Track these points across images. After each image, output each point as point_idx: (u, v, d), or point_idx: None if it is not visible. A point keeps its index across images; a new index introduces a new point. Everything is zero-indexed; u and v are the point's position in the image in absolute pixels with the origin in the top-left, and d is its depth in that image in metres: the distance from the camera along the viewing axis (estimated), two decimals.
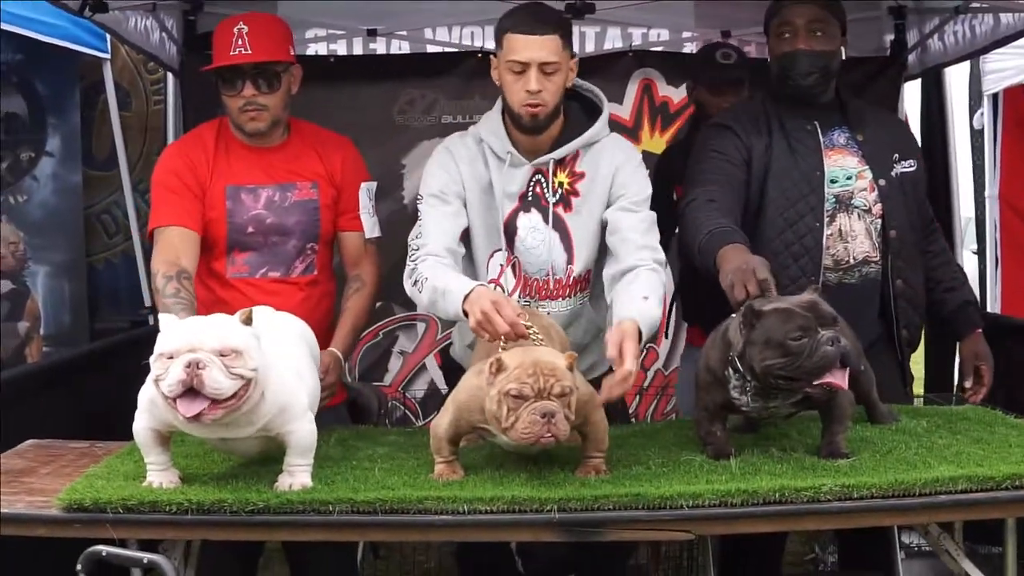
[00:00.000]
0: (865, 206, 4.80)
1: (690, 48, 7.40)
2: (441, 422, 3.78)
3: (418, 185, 4.60)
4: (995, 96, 8.55)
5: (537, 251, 4.47)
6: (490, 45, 6.98)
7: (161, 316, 3.56)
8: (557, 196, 4.44)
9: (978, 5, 6.02)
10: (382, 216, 5.05)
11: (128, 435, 3.66)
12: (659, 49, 7.36)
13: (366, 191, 4.92)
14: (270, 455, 3.75)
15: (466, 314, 3.97)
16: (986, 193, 8.72)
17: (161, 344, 3.41)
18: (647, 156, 6.82)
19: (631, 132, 7.16)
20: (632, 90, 7.22)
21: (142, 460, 3.66)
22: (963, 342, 5.02)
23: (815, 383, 3.70)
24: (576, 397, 3.59)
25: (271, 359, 3.54)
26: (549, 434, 3.50)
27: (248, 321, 3.49)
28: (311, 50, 7.11)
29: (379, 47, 7.30)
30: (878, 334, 4.87)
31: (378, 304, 5.09)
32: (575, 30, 4.96)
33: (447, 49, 7.28)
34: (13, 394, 4.89)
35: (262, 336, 3.53)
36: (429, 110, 7.12)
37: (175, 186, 4.72)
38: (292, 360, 3.77)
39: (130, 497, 3.46)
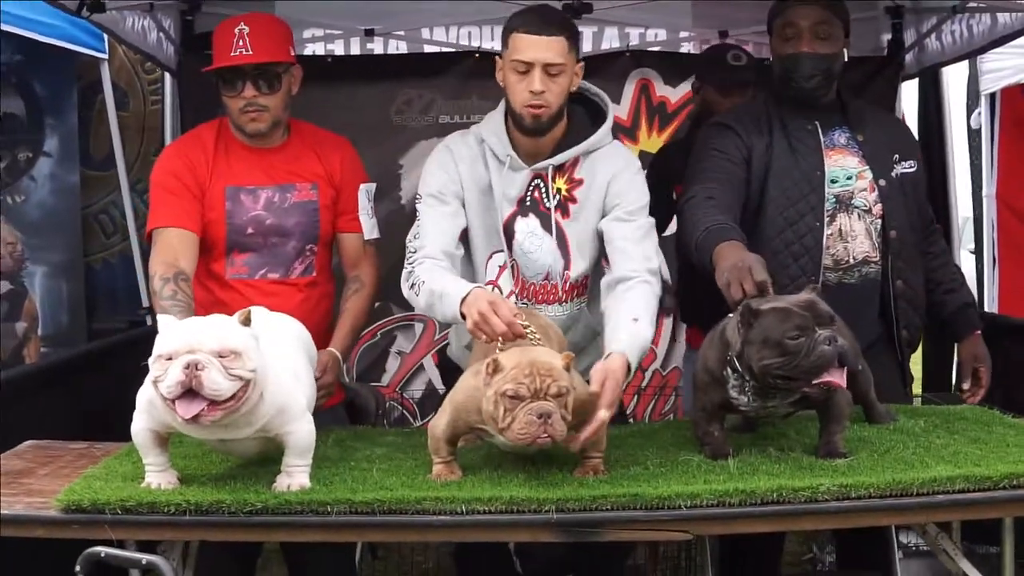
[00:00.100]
0: (865, 206, 4.80)
1: (687, 48, 7.41)
2: (439, 423, 3.78)
3: (416, 185, 4.60)
4: (992, 96, 8.55)
5: (534, 256, 4.46)
6: (488, 45, 7.02)
7: (159, 317, 3.57)
8: (555, 202, 4.43)
9: (975, 5, 6.03)
10: (380, 216, 5.05)
11: (126, 436, 3.66)
12: (656, 49, 7.38)
13: (365, 192, 4.92)
14: (268, 456, 3.75)
15: (463, 316, 3.97)
16: (983, 193, 8.73)
17: (160, 345, 3.41)
18: (644, 156, 6.86)
19: (629, 132, 7.17)
20: (630, 90, 7.23)
21: (140, 461, 3.66)
22: (962, 344, 5.01)
23: (813, 382, 3.70)
24: (573, 397, 3.59)
25: (269, 360, 3.54)
26: (545, 434, 3.50)
27: (247, 322, 3.49)
28: (308, 50, 7.12)
29: (376, 47, 7.31)
30: (878, 334, 4.87)
31: (376, 304, 5.09)
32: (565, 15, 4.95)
33: (445, 49, 7.29)
34: (11, 395, 4.89)
35: (261, 337, 3.53)
36: (426, 110, 7.13)
37: (174, 187, 4.71)
38: (289, 361, 3.77)
39: (128, 498, 3.46)
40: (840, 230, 4.77)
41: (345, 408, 5.03)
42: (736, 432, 4.21)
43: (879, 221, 4.81)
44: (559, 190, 4.43)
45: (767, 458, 3.85)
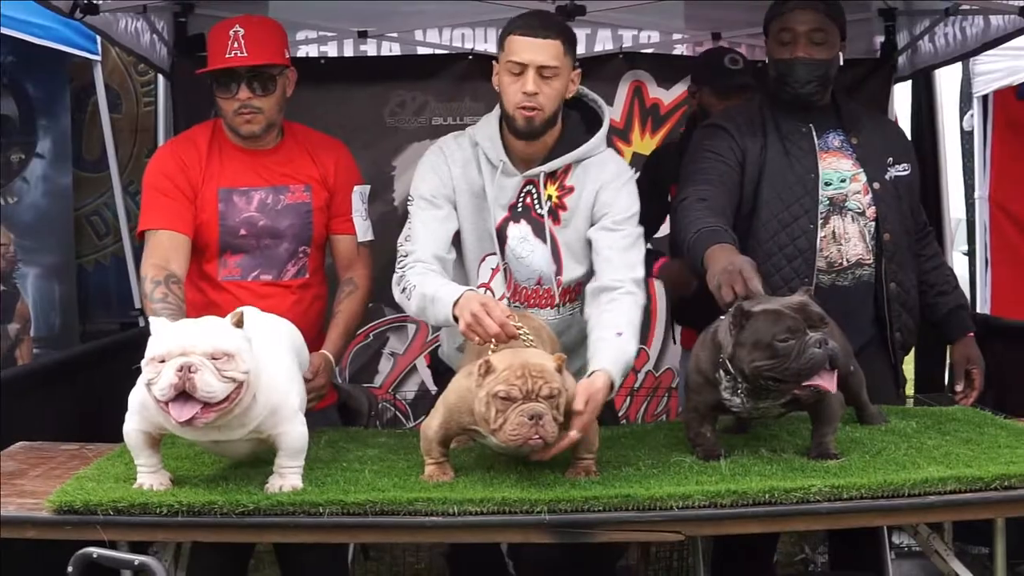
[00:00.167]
0: (859, 209, 4.80)
1: (681, 50, 7.41)
2: (431, 424, 3.79)
3: (409, 187, 4.59)
4: (985, 98, 8.57)
5: (526, 261, 4.46)
6: (481, 47, 7.02)
7: (151, 319, 3.56)
8: (546, 209, 4.43)
9: (968, 7, 6.04)
10: (373, 218, 5.04)
11: (119, 437, 3.66)
12: (650, 51, 7.36)
13: (359, 194, 4.91)
14: (260, 457, 3.76)
15: (456, 319, 3.97)
16: (976, 195, 8.73)
17: (152, 348, 3.41)
18: (637, 157, 6.88)
19: (622, 133, 7.18)
20: (623, 92, 7.23)
21: (132, 462, 3.66)
22: (954, 346, 5.03)
23: (802, 385, 3.71)
24: (565, 399, 3.60)
25: (262, 361, 3.54)
26: (537, 436, 3.51)
27: (240, 323, 3.49)
28: (302, 52, 7.11)
29: (370, 49, 7.29)
30: (871, 336, 4.88)
31: (369, 305, 5.08)
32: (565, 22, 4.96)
33: (438, 51, 7.28)
34: (4, 396, 4.88)
35: (253, 338, 3.53)
36: (419, 112, 7.12)
37: (166, 188, 4.71)
38: (282, 362, 3.77)
39: (121, 499, 3.46)
40: (834, 232, 4.78)
41: (338, 409, 5.03)
42: (728, 433, 4.22)
43: (873, 224, 4.82)
44: (550, 197, 4.43)
45: (759, 459, 3.86)
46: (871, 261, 4.82)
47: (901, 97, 7.44)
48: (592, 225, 4.40)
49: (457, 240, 4.46)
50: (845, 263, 4.79)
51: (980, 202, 8.65)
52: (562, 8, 5.89)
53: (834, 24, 4.82)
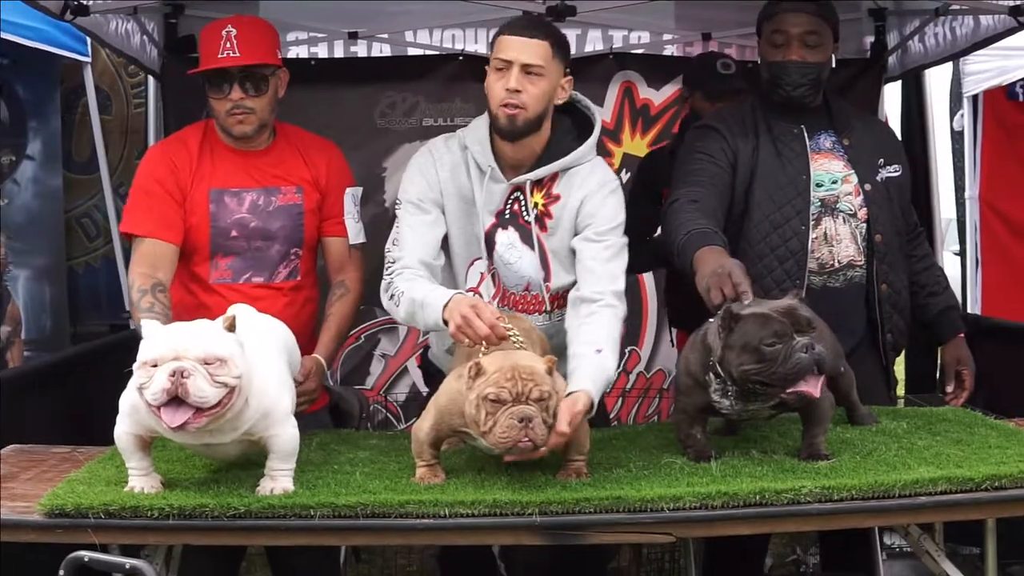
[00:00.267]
0: (850, 210, 4.81)
1: (671, 50, 7.42)
2: (422, 426, 3.79)
3: (399, 188, 4.59)
4: (975, 98, 8.58)
5: (514, 267, 4.44)
6: (471, 48, 7.03)
7: (143, 322, 3.56)
8: (533, 216, 4.42)
9: (958, 7, 6.05)
10: (364, 219, 5.04)
11: (110, 440, 3.66)
12: (640, 51, 7.36)
13: (351, 196, 4.91)
14: (251, 459, 3.76)
15: (445, 322, 3.97)
16: (966, 194, 8.76)
17: (145, 351, 3.41)
18: (628, 158, 6.88)
19: (612, 134, 7.18)
20: (613, 92, 7.23)
21: (123, 465, 3.65)
22: (945, 346, 5.02)
23: (788, 391, 3.71)
24: (555, 401, 3.60)
25: (254, 363, 3.54)
26: (526, 439, 3.51)
27: (232, 328, 3.49)
28: (292, 53, 7.11)
29: (360, 50, 7.29)
30: (862, 338, 4.88)
31: (360, 308, 5.08)
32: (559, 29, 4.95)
33: (428, 52, 7.28)
34: None
35: (245, 340, 3.53)
36: (410, 113, 7.12)
37: (155, 191, 4.71)
38: (274, 364, 3.76)
39: (112, 502, 3.46)
40: (825, 234, 4.78)
41: (329, 411, 5.03)
42: (719, 434, 4.22)
43: (864, 225, 4.82)
44: (536, 204, 4.41)
45: (750, 460, 3.86)
46: (862, 262, 4.83)
47: (891, 97, 7.46)
48: (576, 234, 4.39)
49: (445, 244, 4.45)
50: (837, 264, 4.79)
51: (970, 202, 8.68)
52: (552, 8, 5.89)
53: (827, 26, 4.82)
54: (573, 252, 4.38)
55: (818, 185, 4.79)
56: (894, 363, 5.03)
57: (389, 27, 7.17)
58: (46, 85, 8.48)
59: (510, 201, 4.42)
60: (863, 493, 3.54)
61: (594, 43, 7.35)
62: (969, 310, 8.13)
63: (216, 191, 4.74)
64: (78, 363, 6.04)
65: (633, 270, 6.09)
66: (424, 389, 5.23)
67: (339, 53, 7.28)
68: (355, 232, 4.91)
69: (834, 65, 4.93)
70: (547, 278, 4.44)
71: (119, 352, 5.27)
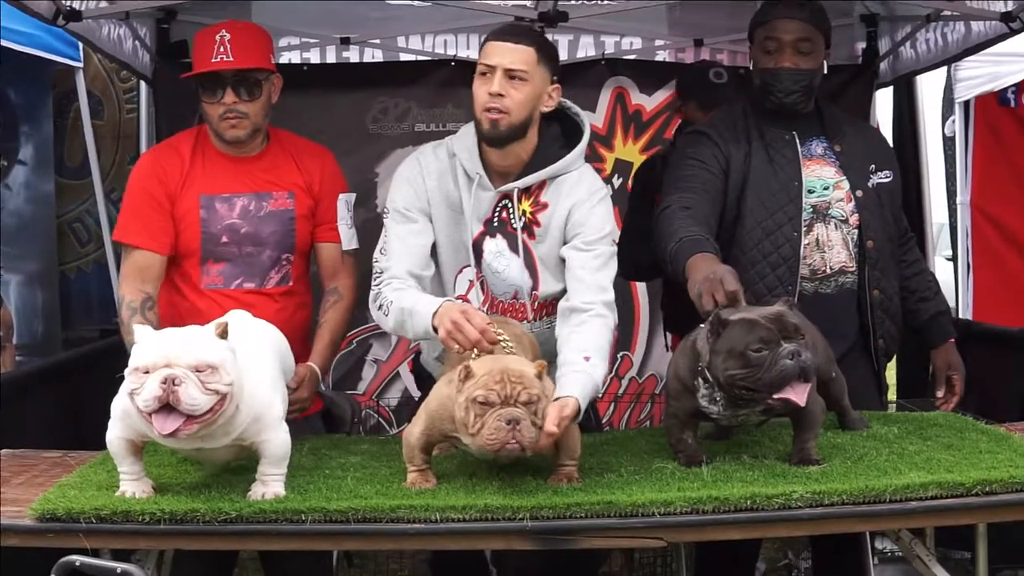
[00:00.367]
0: (842, 216, 4.81)
1: (663, 56, 7.42)
2: (413, 431, 3.79)
3: (388, 196, 4.58)
4: (967, 103, 8.60)
5: (503, 275, 4.43)
6: (463, 53, 7.04)
7: (136, 328, 3.55)
8: (521, 224, 4.42)
9: (949, 13, 6.06)
10: (356, 225, 5.03)
11: (101, 445, 3.66)
12: (632, 57, 7.37)
13: (344, 202, 4.91)
14: (243, 464, 3.76)
15: (435, 329, 3.97)
16: (958, 200, 8.78)
17: (136, 357, 3.41)
18: (620, 164, 6.88)
19: (604, 140, 7.18)
20: (605, 98, 7.23)
21: (115, 470, 3.65)
22: (936, 352, 5.02)
23: (773, 397, 3.71)
24: (544, 404, 3.60)
25: (246, 368, 3.54)
26: (514, 441, 3.51)
27: (224, 335, 3.49)
28: (284, 58, 7.10)
29: (352, 55, 7.29)
30: (854, 343, 4.88)
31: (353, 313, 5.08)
32: (547, 38, 4.95)
33: (420, 57, 7.28)
34: None
35: (237, 346, 3.53)
36: (402, 118, 7.12)
37: (146, 200, 4.73)
38: (266, 369, 3.76)
39: (103, 507, 3.46)
40: (817, 240, 4.79)
41: (321, 416, 5.02)
42: (710, 439, 4.23)
43: (856, 231, 4.82)
44: (524, 212, 4.41)
45: (741, 465, 3.86)
46: (854, 268, 4.83)
47: (883, 103, 7.47)
48: (565, 243, 4.38)
49: (433, 252, 4.44)
50: (828, 270, 4.80)
51: (962, 207, 8.70)
52: (544, 14, 5.89)
53: (819, 33, 4.82)
54: (562, 260, 4.37)
55: (810, 191, 4.80)
56: (886, 368, 5.03)
57: (381, 32, 7.17)
58: (38, 90, 8.49)
59: (498, 209, 4.41)
60: (854, 498, 3.55)
61: (586, 49, 7.36)
62: (961, 315, 8.15)
63: (207, 197, 4.73)
64: (70, 368, 6.05)
65: (639, 278, 6.10)
66: (416, 394, 5.22)
67: (331, 58, 7.27)
68: (348, 238, 4.90)
69: (826, 71, 4.94)
70: (535, 286, 4.43)
71: (111, 357, 5.26)
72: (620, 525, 3.49)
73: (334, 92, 7.03)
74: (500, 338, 3.87)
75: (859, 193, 4.83)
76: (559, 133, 4.48)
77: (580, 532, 3.50)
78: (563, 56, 7.12)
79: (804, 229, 4.76)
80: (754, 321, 3.70)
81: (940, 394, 4.95)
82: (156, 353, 3.39)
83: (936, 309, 5.05)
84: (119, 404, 3.53)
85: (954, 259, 9.16)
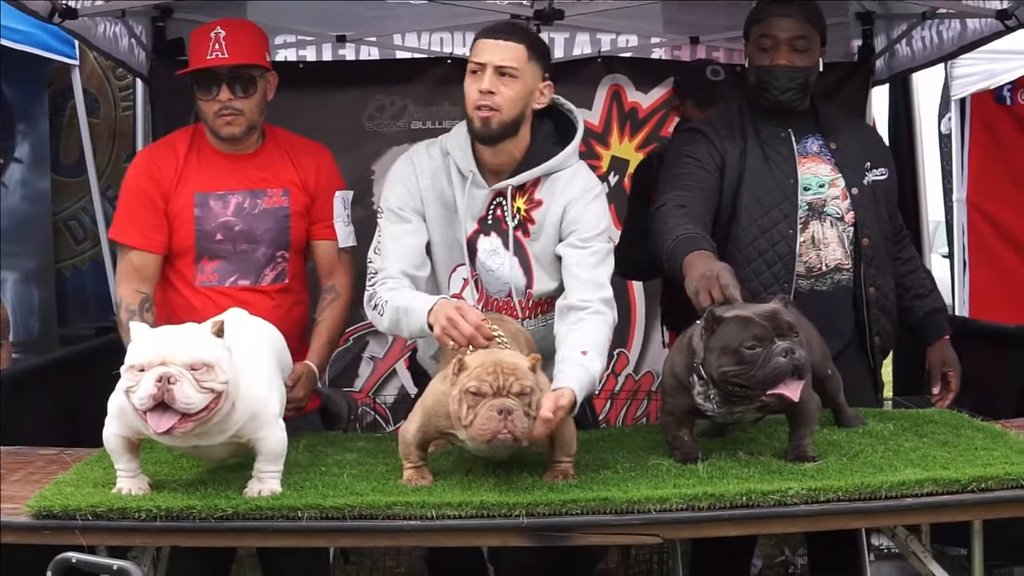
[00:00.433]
0: (838, 214, 4.81)
1: (659, 54, 7.43)
2: (409, 427, 3.79)
3: (381, 196, 4.58)
4: (963, 101, 8.61)
5: (496, 273, 4.42)
6: (459, 51, 7.05)
7: (132, 325, 3.56)
8: (515, 222, 4.41)
9: (945, 11, 6.06)
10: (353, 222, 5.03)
11: (98, 442, 3.66)
12: (628, 55, 7.37)
13: (341, 200, 4.90)
14: (240, 461, 3.76)
15: (431, 327, 3.97)
16: (954, 197, 8.79)
17: (132, 355, 3.42)
18: (616, 161, 6.88)
19: (600, 137, 7.19)
20: (601, 96, 7.23)
21: (111, 467, 3.66)
22: (931, 349, 5.03)
23: (767, 393, 3.72)
24: (537, 396, 3.60)
25: (242, 366, 3.54)
26: (506, 430, 3.51)
27: (220, 333, 3.49)
28: (280, 56, 7.10)
29: (348, 53, 7.29)
30: (850, 340, 4.89)
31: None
32: (544, 36, 4.95)
33: (416, 55, 7.28)
34: None
35: (233, 343, 3.53)
36: (398, 116, 7.12)
37: (140, 200, 4.74)
38: (263, 367, 3.77)
39: (99, 504, 3.46)
40: (813, 237, 4.79)
41: (319, 413, 5.03)
42: (706, 436, 4.23)
43: (851, 229, 4.83)
44: (518, 210, 4.41)
45: (736, 462, 3.87)
46: (850, 266, 4.83)
47: (879, 101, 7.47)
48: (561, 241, 4.37)
49: (427, 251, 4.44)
50: (824, 268, 4.80)
51: (958, 205, 8.71)
52: (540, 12, 5.89)
53: (815, 31, 4.82)
54: (557, 258, 4.37)
55: (805, 189, 4.80)
56: (881, 366, 5.04)
57: (377, 30, 7.17)
58: (34, 88, 8.48)
59: (492, 207, 4.41)
60: (849, 494, 3.55)
61: (582, 46, 7.36)
62: (957, 312, 8.15)
63: (201, 195, 4.73)
64: (66, 365, 6.05)
65: (639, 278, 6.10)
66: (413, 391, 5.22)
67: (327, 56, 7.28)
68: (345, 236, 4.90)
69: (821, 69, 4.94)
70: (530, 284, 4.43)
71: (107, 354, 5.27)
72: (616, 522, 3.49)
73: (330, 90, 7.03)
74: (495, 334, 3.87)
75: (855, 191, 4.83)
76: (552, 130, 4.48)
77: (576, 529, 3.50)
78: (559, 54, 7.16)
79: (800, 226, 4.77)
80: (748, 318, 3.71)
81: (935, 391, 4.95)
82: (151, 351, 3.40)
83: (931, 306, 5.05)
84: (116, 401, 3.53)
85: (950, 256, 9.17)
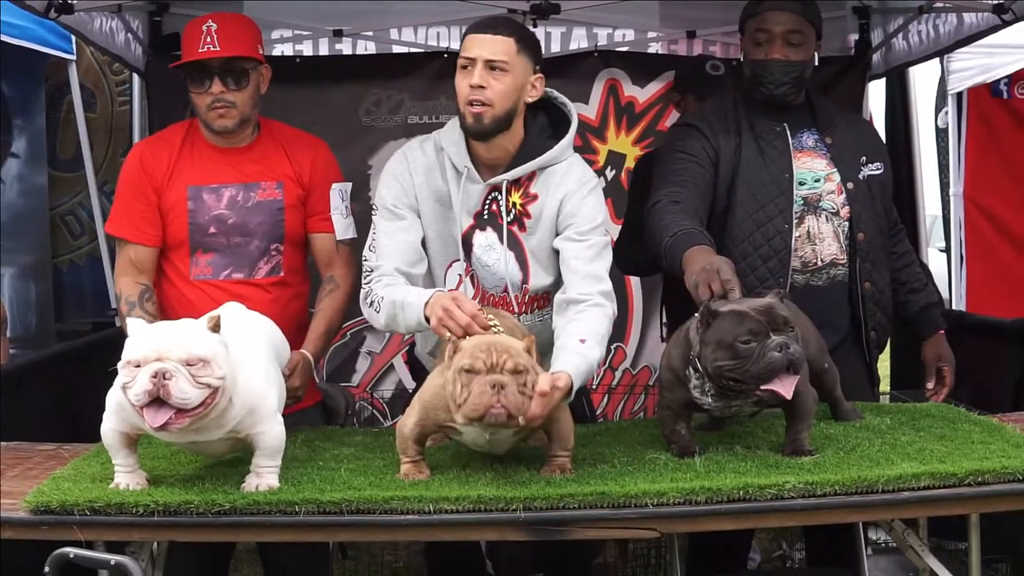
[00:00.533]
0: (833, 208, 4.81)
1: (655, 48, 7.43)
2: (407, 422, 3.79)
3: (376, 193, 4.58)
4: (960, 95, 8.60)
5: (492, 269, 4.42)
6: (456, 46, 6.98)
7: (129, 320, 3.57)
8: (511, 216, 4.40)
9: (941, 5, 6.06)
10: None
11: (95, 437, 3.67)
12: (624, 49, 7.37)
13: (338, 192, 4.88)
14: (237, 456, 3.76)
15: (427, 320, 3.97)
16: (951, 191, 8.78)
17: (129, 351, 3.42)
18: (613, 156, 6.88)
19: (597, 132, 7.19)
20: (598, 90, 7.23)
21: (109, 462, 3.66)
22: (926, 343, 5.03)
23: (761, 388, 3.72)
24: (532, 376, 3.59)
25: (240, 360, 3.54)
26: (499, 404, 3.50)
27: (216, 328, 3.49)
28: (277, 50, 7.10)
29: (345, 47, 7.29)
30: (846, 335, 4.89)
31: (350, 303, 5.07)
32: (540, 30, 4.95)
33: (413, 50, 7.28)
34: None
35: (230, 338, 3.53)
36: (395, 111, 7.12)
37: (135, 193, 4.75)
38: (260, 361, 3.77)
39: (97, 499, 3.46)
40: (808, 232, 4.79)
41: (320, 407, 5.03)
42: (703, 430, 4.23)
43: (847, 223, 4.82)
44: (514, 204, 4.40)
45: (734, 456, 3.87)
46: (845, 261, 4.83)
47: (876, 95, 7.48)
48: (558, 234, 4.37)
49: (423, 247, 4.44)
50: (819, 263, 4.80)
51: (955, 199, 8.70)
52: (536, 6, 5.89)
53: (810, 25, 4.82)
54: (554, 252, 4.37)
55: (801, 183, 4.80)
56: (878, 360, 5.04)
57: (374, 25, 7.17)
58: (31, 83, 8.47)
59: (488, 202, 4.40)
60: (846, 488, 3.55)
61: (579, 41, 7.37)
62: (954, 306, 8.15)
63: (194, 188, 4.73)
64: (64, 361, 6.05)
65: (639, 274, 6.10)
66: (410, 386, 5.23)
67: (324, 51, 7.28)
68: (343, 227, 4.88)
69: (817, 63, 4.94)
70: (526, 279, 4.43)
71: (105, 350, 5.27)
72: (613, 516, 3.49)
73: (327, 84, 7.03)
74: (491, 323, 3.87)
75: (850, 185, 4.83)
76: (546, 123, 4.47)
77: (573, 523, 3.51)
78: (556, 48, 7.16)
79: (795, 221, 4.77)
80: (744, 313, 3.71)
81: (930, 385, 4.95)
82: (147, 347, 3.40)
83: (926, 300, 5.05)
84: (113, 397, 3.53)
85: (947, 251, 9.17)
